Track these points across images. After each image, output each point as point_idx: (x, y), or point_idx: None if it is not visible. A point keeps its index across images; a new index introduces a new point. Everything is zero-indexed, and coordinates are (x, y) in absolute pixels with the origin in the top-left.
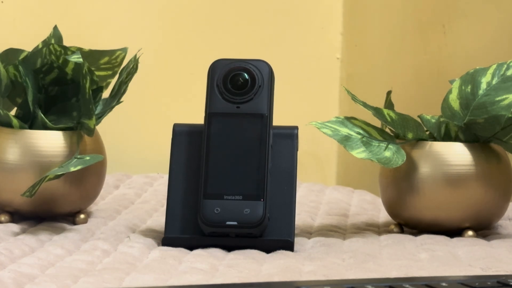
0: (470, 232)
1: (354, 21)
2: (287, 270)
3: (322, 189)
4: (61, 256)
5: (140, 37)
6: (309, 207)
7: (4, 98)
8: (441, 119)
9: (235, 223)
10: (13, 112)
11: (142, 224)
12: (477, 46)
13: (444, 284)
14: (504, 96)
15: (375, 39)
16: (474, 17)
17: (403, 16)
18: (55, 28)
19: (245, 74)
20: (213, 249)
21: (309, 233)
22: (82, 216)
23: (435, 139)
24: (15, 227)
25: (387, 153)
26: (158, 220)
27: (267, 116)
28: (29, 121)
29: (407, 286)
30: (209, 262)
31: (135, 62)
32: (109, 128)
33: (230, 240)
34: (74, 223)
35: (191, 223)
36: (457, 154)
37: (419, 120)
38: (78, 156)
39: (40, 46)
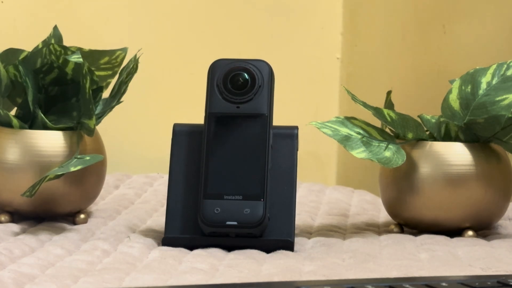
0: (470, 232)
1: (354, 21)
2: (287, 270)
3: (322, 189)
4: (61, 256)
5: (140, 37)
6: (309, 207)
7: (4, 98)
8: (441, 119)
9: (235, 223)
10: (13, 112)
11: (142, 224)
12: (477, 46)
13: (444, 284)
14: (504, 96)
15: (375, 39)
16: (474, 17)
17: (403, 16)
18: (55, 28)
19: (245, 74)
20: (213, 249)
21: (309, 233)
22: (82, 216)
23: (435, 139)
24: (15, 227)
25: (387, 153)
26: (158, 220)
27: (267, 116)
28: (29, 121)
29: (407, 286)
30: (209, 262)
31: (135, 62)
32: (109, 128)
33: (230, 240)
34: (74, 223)
35: (191, 223)
36: (457, 154)
37: (419, 120)
38: (78, 156)
39: (40, 46)
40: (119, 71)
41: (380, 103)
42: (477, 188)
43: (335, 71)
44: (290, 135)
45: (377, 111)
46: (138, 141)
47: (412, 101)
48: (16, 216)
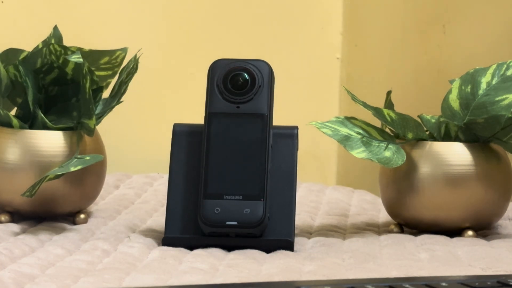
0: (470, 232)
1: (354, 21)
2: (287, 270)
3: (322, 189)
4: (61, 256)
5: (140, 37)
6: (309, 207)
7: (4, 98)
8: (441, 119)
9: (235, 223)
10: (13, 112)
11: (142, 224)
12: (477, 46)
13: (444, 284)
14: (504, 96)
15: (375, 39)
16: (474, 17)
17: (403, 16)
18: (55, 28)
19: (245, 74)
20: (213, 249)
21: (309, 233)
22: (82, 216)
23: (435, 139)
24: (15, 227)
25: (387, 153)
26: (158, 220)
27: (267, 116)
28: (29, 121)
29: (407, 286)
30: (209, 262)
31: (135, 62)
32: (109, 128)
33: (230, 240)
34: (74, 223)
35: (191, 223)
36: (457, 154)
37: (419, 120)
38: (78, 156)
39: (40, 46)
40: (119, 71)
41: (380, 103)
42: (477, 188)
43: (335, 71)
44: (290, 135)
45: (377, 111)
46: (138, 141)
47: (412, 101)
48: (16, 216)
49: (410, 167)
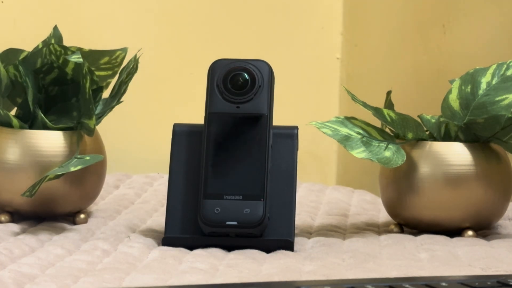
0: (470, 232)
1: (354, 21)
2: (287, 270)
3: (322, 189)
4: (61, 256)
5: (140, 37)
6: (309, 207)
7: (4, 98)
8: (441, 119)
9: (235, 223)
10: (13, 112)
11: (142, 224)
12: (477, 46)
13: (444, 284)
14: (504, 96)
15: (375, 39)
16: (474, 17)
17: (403, 16)
18: (55, 28)
19: (245, 74)
20: (213, 249)
21: (309, 233)
22: (82, 216)
23: (435, 139)
24: (15, 227)
25: (387, 153)
26: (158, 220)
27: (267, 116)
28: (29, 121)
29: (407, 286)
30: (209, 262)
31: (135, 62)
32: (109, 128)
33: (230, 240)
34: (74, 223)
35: (191, 223)
36: (457, 154)
37: (419, 120)
38: (78, 156)
39: (40, 46)
40: (119, 71)
41: (380, 103)
42: (477, 188)
43: (335, 71)
44: (290, 135)
45: (377, 111)
46: (138, 141)
47: (412, 101)
48: (16, 216)
49: (410, 167)
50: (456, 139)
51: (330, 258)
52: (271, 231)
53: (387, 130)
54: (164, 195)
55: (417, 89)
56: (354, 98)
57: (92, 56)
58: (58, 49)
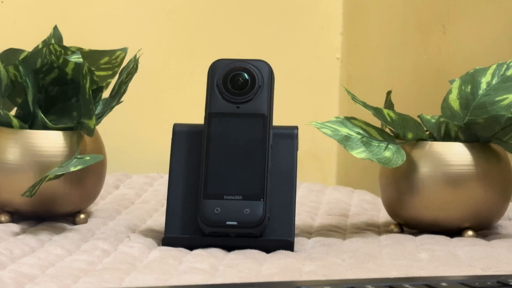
0: (470, 232)
1: (354, 21)
2: (287, 270)
3: (322, 189)
4: (61, 256)
5: (140, 37)
6: (309, 207)
7: (4, 98)
8: (441, 119)
9: (235, 223)
10: (13, 112)
11: (142, 224)
12: (477, 46)
13: (444, 284)
14: (504, 96)
15: (375, 39)
16: (474, 17)
17: (403, 16)
18: (55, 28)
19: (245, 74)
20: (213, 249)
21: (309, 233)
22: (82, 216)
23: (435, 139)
24: (15, 227)
25: (387, 153)
26: (158, 220)
27: (267, 116)
28: (29, 121)
29: (407, 286)
30: (209, 262)
31: (135, 62)
32: (109, 128)
33: (230, 240)
34: (74, 223)
35: (191, 223)
36: (457, 154)
37: (419, 120)
38: (78, 156)
39: (40, 46)
40: (119, 71)
41: (380, 103)
42: (477, 188)
43: (335, 71)
44: (290, 135)
45: (377, 111)
46: (138, 141)
47: (412, 101)
48: (16, 216)
49: (410, 167)
50: (456, 139)
51: (330, 258)
52: (271, 231)
53: (387, 130)
54: (164, 195)
55: (417, 89)
56: (354, 98)
57: (92, 56)
58: (58, 49)
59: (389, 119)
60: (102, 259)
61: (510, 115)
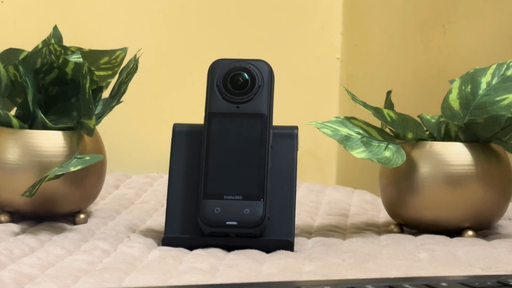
0: (470, 232)
1: (354, 21)
2: (287, 270)
3: (322, 189)
4: (61, 256)
5: (140, 37)
6: (309, 207)
7: (4, 98)
8: (441, 119)
9: (235, 223)
10: (13, 112)
11: (142, 224)
12: (477, 46)
13: (444, 284)
14: (504, 96)
15: (375, 39)
16: (474, 17)
17: (403, 16)
18: (55, 28)
19: (245, 74)
20: (213, 249)
21: (309, 233)
22: (82, 216)
23: (435, 139)
24: (15, 227)
25: (387, 153)
26: (158, 220)
27: (267, 116)
28: (29, 121)
29: (407, 286)
30: (209, 262)
31: (135, 62)
32: (109, 128)
33: (230, 240)
34: (74, 223)
35: (191, 223)
36: (457, 154)
37: (419, 120)
38: (78, 156)
39: (40, 46)
40: (119, 71)
41: (380, 103)
42: (477, 188)
43: (335, 71)
44: (290, 135)
45: (377, 111)
46: (138, 141)
47: (412, 101)
48: (16, 216)
49: (410, 167)
50: (456, 139)
51: (330, 258)
52: (271, 231)
53: (387, 130)
54: (164, 195)
55: (417, 89)
56: (354, 98)
57: (92, 56)
58: (58, 49)
59: (389, 119)
60: (102, 259)
61: (510, 115)
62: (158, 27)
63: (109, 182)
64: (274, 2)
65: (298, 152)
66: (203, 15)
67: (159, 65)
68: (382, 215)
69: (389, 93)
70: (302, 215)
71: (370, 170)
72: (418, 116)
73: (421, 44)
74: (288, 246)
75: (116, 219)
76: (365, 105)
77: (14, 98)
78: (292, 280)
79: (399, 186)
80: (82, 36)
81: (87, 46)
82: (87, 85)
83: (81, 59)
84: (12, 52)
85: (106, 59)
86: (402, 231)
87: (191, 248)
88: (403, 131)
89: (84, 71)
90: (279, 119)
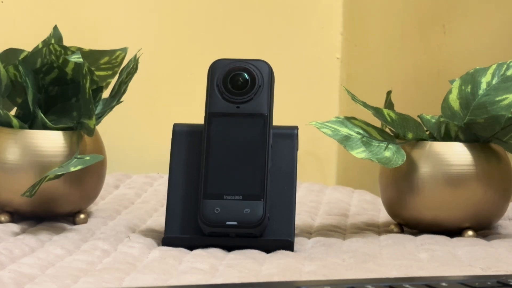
0: (470, 232)
1: (354, 21)
2: (287, 270)
3: (322, 189)
4: (61, 256)
5: (140, 37)
6: (309, 207)
7: (4, 98)
8: (441, 119)
9: (235, 223)
10: (13, 112)
11: (142, 224)
12: (477, 46)
13: (444, 284)
14: (504, 96)
15: (375, 39)
16: (474, 17)
17: (403, 16)
18: (55, 28)
19: (245, 74)
20: (213, 249)
21: (309, 233)
22: (82, 216)
23: (435, 139)
24: (15, 227)
25: (387, 153)
26: (158, 220)
27: (267, 116)
28: (29, 121)
29: (407, 286)
30: (209, 262)
31: (135, 62)
32: (109, 128)
33: (230, 240)
34: (74, 223)
35: (191, 223)
36: (457, 154)
37: (419, 120)
38: (78, 156)
39: (40, 46)
40: (119, 71)
41: (380, 103)
42: (477, 188)
43: (335, 71)
44: (290, 135)
45: (377, 111)
46: (138, 141)
47: (412, 101)
48: (16, 216)
49: (410, 167)
50: (456, 139)
51: (330, 258)
52: (271, 231)
53: (387, 130)
54: (164, 195)
55: (417, 89)
56: (354, 98)
57: (92, 56)
58: (58, 49)
59: (389, 119)
60: (102, 259)
61: (510, 115)
62: (158, 27)
63: (109, 182)
64: (274, 2)
65: (298, 152)
66: (203, 15)
67: (159, 65)
68: (382, 215)
69: (389, 93)
70: (302, 215)
71: (370, 170)
72: (418, 116)
73: (421, 44)
74: (288, 246)
75: (116, 219)
76: (365, 105)
77: (14, 98)
78: (292, 280)
79: (399, 186)
80: (82, 36)
81: (87, 46)
82: (87, 85)
83: (81, 59)
84: (12, 52)
85: (106, 59)
86: (402, 231)
87: (191, 248)
88: (403, 131)
89: (84, 71)
90: (279, 119)
